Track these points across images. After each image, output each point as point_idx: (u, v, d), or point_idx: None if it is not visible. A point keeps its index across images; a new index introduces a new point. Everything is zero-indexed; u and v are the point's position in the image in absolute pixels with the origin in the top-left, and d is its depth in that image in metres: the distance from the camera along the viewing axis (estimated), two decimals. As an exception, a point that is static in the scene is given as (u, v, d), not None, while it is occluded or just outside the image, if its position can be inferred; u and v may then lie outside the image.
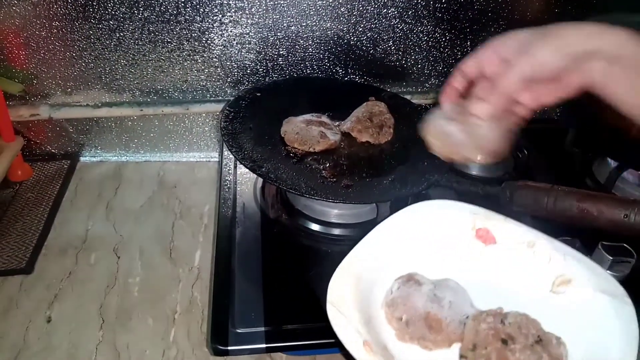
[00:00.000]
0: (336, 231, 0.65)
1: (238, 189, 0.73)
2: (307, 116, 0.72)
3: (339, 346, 0.44)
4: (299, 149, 0.67)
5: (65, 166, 0.87)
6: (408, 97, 0.86)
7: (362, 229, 0.65)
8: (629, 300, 0.45)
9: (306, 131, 0.69)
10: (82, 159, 0.90)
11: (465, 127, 0.46)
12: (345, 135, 0.71)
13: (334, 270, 0.60)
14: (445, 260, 0.52)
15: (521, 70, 0.42)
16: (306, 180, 0.61)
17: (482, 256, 0.52)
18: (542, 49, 0.42)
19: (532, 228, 0.52)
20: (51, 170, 0.86)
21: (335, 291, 0.47)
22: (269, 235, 0.65)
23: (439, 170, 0.63)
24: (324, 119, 0.73)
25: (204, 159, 0.92)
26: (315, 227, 0.66)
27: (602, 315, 0.45)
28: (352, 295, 0.47)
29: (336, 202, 0.62)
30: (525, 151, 0.79)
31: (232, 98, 0.77)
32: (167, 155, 0.92)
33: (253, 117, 0.70)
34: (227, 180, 0.74)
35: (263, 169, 0.61)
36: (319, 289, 0.58)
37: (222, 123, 0.67)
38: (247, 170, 0.62)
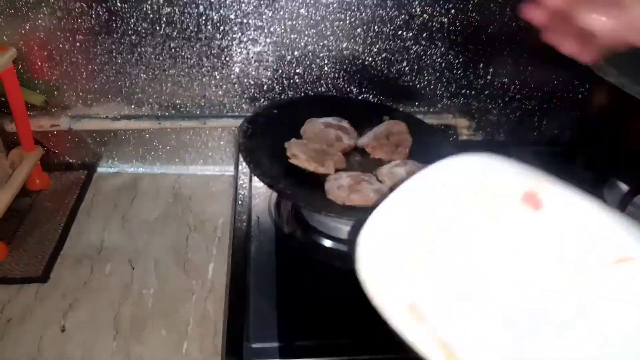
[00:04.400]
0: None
1: (253, 203, 0.74)
2: (329, 119, 0.74)
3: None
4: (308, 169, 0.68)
5: (83, 176, 0.89)
6: (420, 117, 0.87)
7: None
8: None
9: (324, 132, 0.71)
10: (99, 169, 0.92)
11: None
12: (360, 151, 0.72)
13: (348, 288, 0.60)
14: (486, 226, 0.44)
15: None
16: (322, 197, 0.62)
17: (530, 223, 0.44)
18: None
19: (590, 195, 0.44)
20: (68, 180, 0.88)
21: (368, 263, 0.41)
22: (283, 251, 0.66)
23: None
24: (344, 123, 0.74)
25: (219, 173, 0.93)
26: (329, 243, 0.66)
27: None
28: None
29: (351, 220, 0.62)
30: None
31: (248, 114, 0.78)
32: (182, 168, 0.93)
33: (270, 134, 0.71)
34: (242, 194, 0.75)
35: (280, 185, 0.62)
36: (332, 306, 0.59)
37: (240, 139, 0.68)
38: (261, 184, 0.63)
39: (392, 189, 0.63)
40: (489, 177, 0.46)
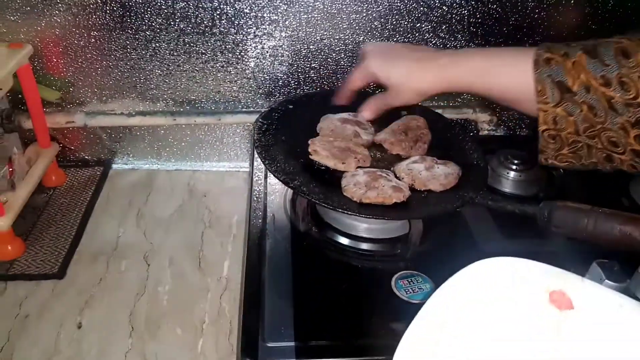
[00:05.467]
0: (366, 246, 0.65)
1: (268, 199, 0.73)
2: (345, 115, 0.72)
3: None
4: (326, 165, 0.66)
5: (98, 173, 0.89)
6: (440, 111, 0.85)
7: (393, 244, 0.65)
8: None
9: (341, 129, 0.69)
10: (114, 166, 0.92)
11: None
12: (378, 146, 0.70)
13: (365, 287, 0.59)
14: (515, 328, 0.44)
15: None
16: (338, 194, 0.61)
17: (558, 323, 0.44)
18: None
19: (616, 291, 0.46)
20: (84, 177, 0.88)
21: None
22: (299, 248, 0.64)
23: (474, 188, 0.62)
24: (361, 118, 0.73)
25: (234, 169, 0.92)
26: (345, 241, 0.65)
27: None
28: None
29: (368, 218, 0.61)
30: (561, 170, 0.77)
31: (263, 109, 0.77)
32: (197, 164, 0.92)
33: (285, 130, 0.70)
34: (257, 190, 0.74)
35: (295, 182, 0.61)
36: (349, 305, 0.58)
37: (255, 135, 0.67)
38: (277, 181, 0.62)
39: (410, 186, 0.62)
40: (516, 280, 0.46)
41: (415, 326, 0.43)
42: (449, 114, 0.88)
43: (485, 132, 0.91)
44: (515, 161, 0.76)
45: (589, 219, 0.51)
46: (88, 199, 0.83)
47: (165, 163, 0.92)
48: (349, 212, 0.58)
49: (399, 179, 0.63)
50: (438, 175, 0.62)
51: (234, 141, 0.91)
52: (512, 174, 0.76)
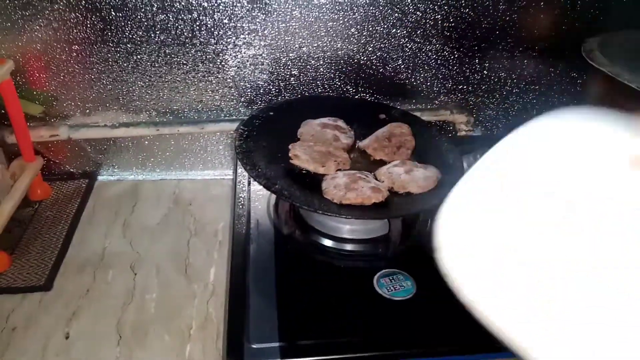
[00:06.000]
0: (348, 246, 0.66)
1: (252, 205, 0.74)
2: (325, 119, 0.74)
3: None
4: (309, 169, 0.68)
5: (84, 185, 0.89)
6: (418, 114, 0.87)
7: (375, 244, 0.66)
8: None
9: (321, 133, 0.71)
10: (99, 177, 0.92)
11: None
12: (362, 152, 0.72)
13: (347, 286, 0.60)
14: (586, 200, 0.35)
15: None
16: (319, 197, 0.62)
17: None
18: None
19: None
20: (70, 189, 0.88)
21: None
22: (282, 251, 0.66)
23: (451, 186, 0.64)
24: (340, 123, 0.74)
25: (219, 177, 0.93)
26: (327, 242, 0.66)
27: None
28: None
29: (348, 218, 0.62)
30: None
31: (245, 117, 0.78)
32: (182, 173, 0.93)
33: (266, 136, 0.71)
34: (241, 197, 0.75)
35: (277, 186, 0.62)
36: (332, 304, 0.59)
37: (237, 142, 0.68)
38: (260, 187, 0.64)
39: (390, 189, 0.63)
40: (588, 139, 0.37)
41: (472, 174, 0.37)
42: (427, 117, 0.91)
43: (463, 133, 0.94)
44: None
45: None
46: (74, 211, 0.84)
47: (150, 173, 0.93)
48: (329, 214, 0.59)
49: (379, 181, 0.65)
50: (417, 178, 0.64)
51: (217, 149, 0.92)
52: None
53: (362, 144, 0.73)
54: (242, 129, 0.71)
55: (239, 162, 0.70)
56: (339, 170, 0.66)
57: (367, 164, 0.71)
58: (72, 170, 0.92)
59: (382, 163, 0.71)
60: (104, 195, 0.89)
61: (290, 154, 0.67)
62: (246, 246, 0.67)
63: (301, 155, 0.66)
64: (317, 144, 0.69)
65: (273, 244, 0.67)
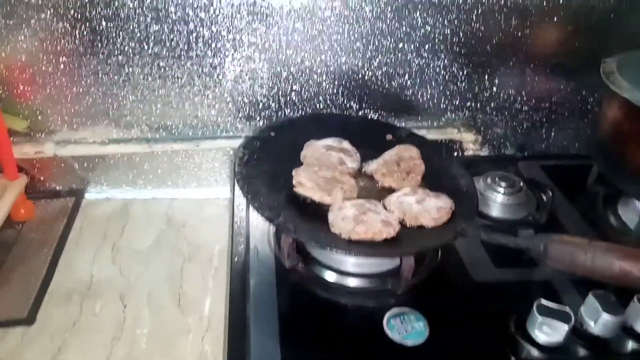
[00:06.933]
0: (356, 282, 0.62)
1: (251, 230, 0.69)
2: (329, 141, 0.70)
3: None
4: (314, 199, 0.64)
5: (70, 204, 0.85)
6: (424, 131, 0.83)
7: (384, 279, 0.62)
8: None
9: (326, 156, 0.67)
10: (87, 195, 0.87)
11: None
12: (369, 178, 0.68)
13: (354, 325, 0.56)
14: None
15: None
16: (326, 230, 0.58)
17: None
18: None
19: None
20: (55, 208, 0.84)
21: None
22: (285, 285, 0.61)
23: (465, 217, 0.60)
24: (345, 144, 0.70)
25: (214, 197, 0.89)
26: (333, 277, 0.62)
27: None
28: None
29: (358, 257, 0.59)
30: (550, 192, 0.75)
31: (243, 134, 0.74)
32: (175, 192, 0.89)
33: (268, 160, 0.67)
34: (239, 218, 0.71)
35: (280, 218, 0.58)
36: (339, 347, 0.55)
37: (237, 167, 0.64)
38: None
39: (401, 221, 0.59)
40: None
41: None
42: (434, 135, 0.87)
43: (471, 152, 0.90)
44: (503, 184, 0.74)
45: (587, 254, 0.50)
46: (60, 232, 0.79)
47: (141, 192, 0.88)
48: (338, 250, 0.55)
49: (389, 212, 0.61)
50: (429, 209, 0.60)
51: (213, 167, 0.87)
52: (499, 197, 0.74)
53: (369, 168, 0.68)
54: (243, 152, 0.67)
55: (240, 190, 0.65)
56: (346, 199, 0.62)
57: (375, 190, 0.66)
58: (57, 188, 0.87)
59: (390, 189, 0.67)
60: (92, 215, 0.84)
61: (294, 182, 0.62)
62: (245, 277, 0.62)
63: (306, 183, 0.62)
64: (321, 169, 0.65)
65: (274, 276, 0.63)
